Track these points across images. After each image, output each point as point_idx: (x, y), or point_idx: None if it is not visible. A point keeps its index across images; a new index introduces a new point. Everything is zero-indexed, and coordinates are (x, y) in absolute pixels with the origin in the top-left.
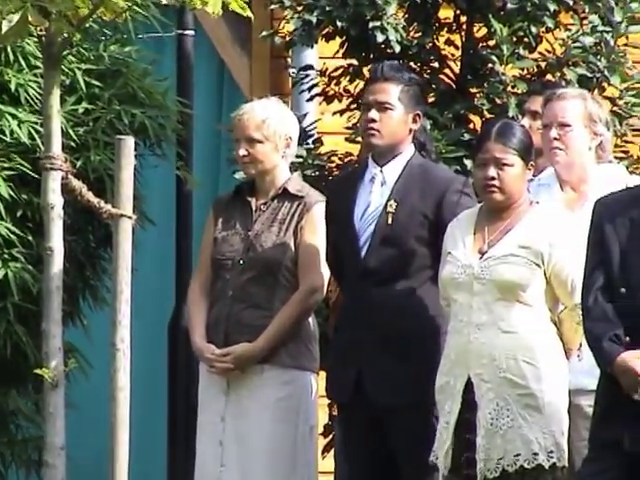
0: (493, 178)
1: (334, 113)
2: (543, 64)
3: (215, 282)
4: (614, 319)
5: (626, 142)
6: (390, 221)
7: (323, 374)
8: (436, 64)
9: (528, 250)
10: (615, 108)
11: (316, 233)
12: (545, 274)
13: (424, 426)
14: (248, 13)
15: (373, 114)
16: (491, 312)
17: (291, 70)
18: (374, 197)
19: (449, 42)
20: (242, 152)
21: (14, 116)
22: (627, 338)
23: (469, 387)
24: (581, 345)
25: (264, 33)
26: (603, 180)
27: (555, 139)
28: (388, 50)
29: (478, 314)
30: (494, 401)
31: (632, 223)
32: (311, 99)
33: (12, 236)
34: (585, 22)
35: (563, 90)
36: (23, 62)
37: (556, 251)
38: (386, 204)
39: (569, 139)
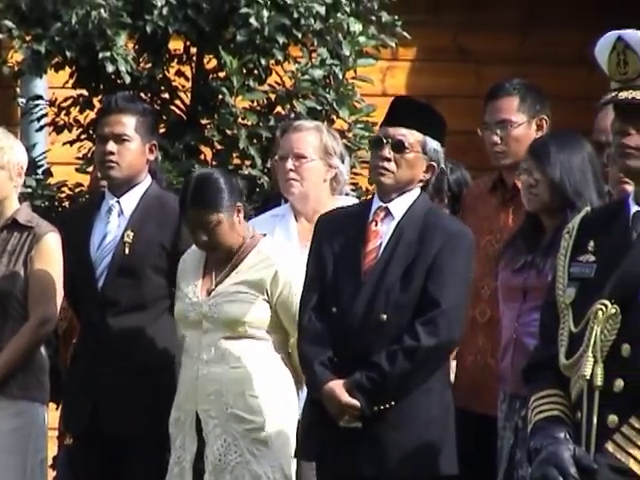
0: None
1: (64, 143)
2: (273, 96)
3: None
4: (325, 341)
5: (355, 174)
6: (127, 251)
7: (53, 405)
8: (167, 95)
9: (254, 286)
10: (344, 141)
11: (47, 263)
12: (272, 308)
13: (159, 458)
14: None
15: (110, 146)
16: (219, 348)
17: (20, 100)
18: (111, 227)
19: (179, 73)
20: None
21: None
22: (335, 359)
23: (199, 423)
24: None
25: None
26: None
27: (291, 170)
28: (118, 81)
29: (207, 350)
30: (222, 437)
31: (346, 241)
32: (40, 129)
33: None
34: (314, 55)
35: (299, 122)
36: None
37: (281, 285)
38: (123, 234)
39: (305, 170)
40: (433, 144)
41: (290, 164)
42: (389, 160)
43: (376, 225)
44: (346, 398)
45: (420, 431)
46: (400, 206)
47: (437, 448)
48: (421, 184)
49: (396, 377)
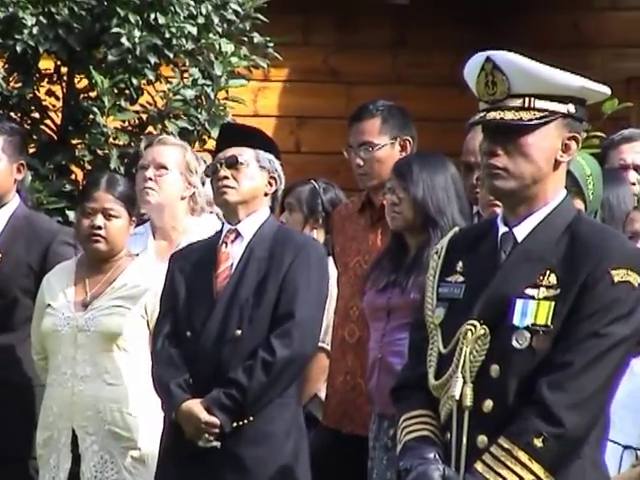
0: (100, 227)
1: None
2: (144, 116)
3: None
4: (180, 364)
5: None
6: None
7: None
8: (37, 115)
9: (132, 301)
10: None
11: None
12: (149, 325)
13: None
14: None
15: None
16: (96, 364)
17: None
18: None
19: (50, 93)
20: None
21: None
22: (191, 380)
23: (75, 440)
24: None
25: None
26: (196, 231)
27: (149, 179)
28: None
29: (82, 366)
30: (99, 454)
31: (198, 267)
32: None
33: None
34: (186, 75)
35: (166, 136)
36: None
37: (157, 303)
38: None
39: (164, 182)
40: (266, 156)
41: (150, 173)
42: (227, 178)
43: (226, 247)
44: (205, 416)
45: (279, 445)
46: (249, 227)
47: (294, 460)
48: (267, 199)
49: (254, 391)
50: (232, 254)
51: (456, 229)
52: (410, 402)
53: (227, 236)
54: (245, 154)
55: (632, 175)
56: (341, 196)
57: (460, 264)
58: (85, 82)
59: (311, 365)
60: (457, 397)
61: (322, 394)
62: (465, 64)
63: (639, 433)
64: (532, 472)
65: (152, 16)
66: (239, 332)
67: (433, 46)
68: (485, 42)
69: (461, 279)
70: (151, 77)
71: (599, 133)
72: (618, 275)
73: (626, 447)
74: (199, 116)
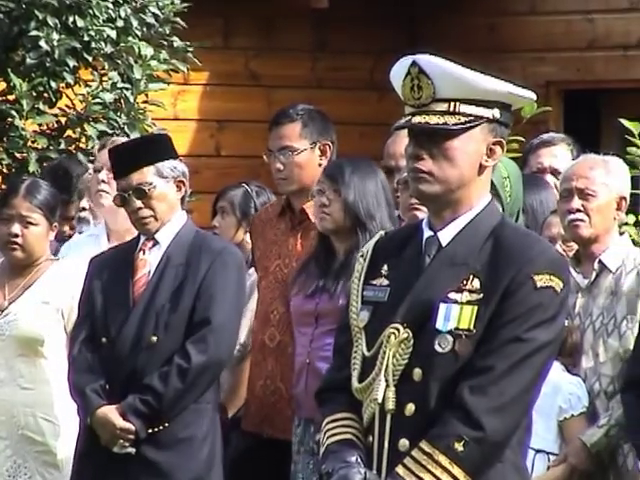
0: (16, 235)
1: None
2: (64, 119)
3: None
4: (96, 370)
5: None
6: None
7: None
8: None
9: (48, 305)
10: None
11: None
12: (66, 329)
13: None
14: None
15: None
16: (11, 368)
17: None
18: None
19: None
20: None
21: None
22: (107, 386)
23: None
24: None
25: None
26: None
27: (103, 182)
28: None
29: None
30: (12, 458)
31: (116, 274)
32: None
33: None
34: (105, 78)
35: (119, 138)
36: None
37: (75, 308)
38: None
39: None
40: (167, 165)
41: (103, 175)
42: (141, 208)
43: (143, 254)
44: (120, 422)
45: (194, 451)
46: (166, 234)
47: (209, 465)
48: (179, 202)
49: (170, 397)
50: (149, 261)
51: (382, 232)
52: (334, 405)
53: (145, 244)
54: (148, 176)
55: (549, 179)
56: (273, 199)
57: (385, 267)
58: (3, 85)
59: (243, 368)
60: (380, 400)
61: None
62: (385, 68)
63: (552, 437)
64: (453, 476)
65: (71, 19)
66: (155, 338)
67: (353, 50)
68: (404, 46)
69: (386, 282)
70: (70, 80)
71: (518, 137)
72: (541, 280)
73: (538, 451)
74: (118, 120)
